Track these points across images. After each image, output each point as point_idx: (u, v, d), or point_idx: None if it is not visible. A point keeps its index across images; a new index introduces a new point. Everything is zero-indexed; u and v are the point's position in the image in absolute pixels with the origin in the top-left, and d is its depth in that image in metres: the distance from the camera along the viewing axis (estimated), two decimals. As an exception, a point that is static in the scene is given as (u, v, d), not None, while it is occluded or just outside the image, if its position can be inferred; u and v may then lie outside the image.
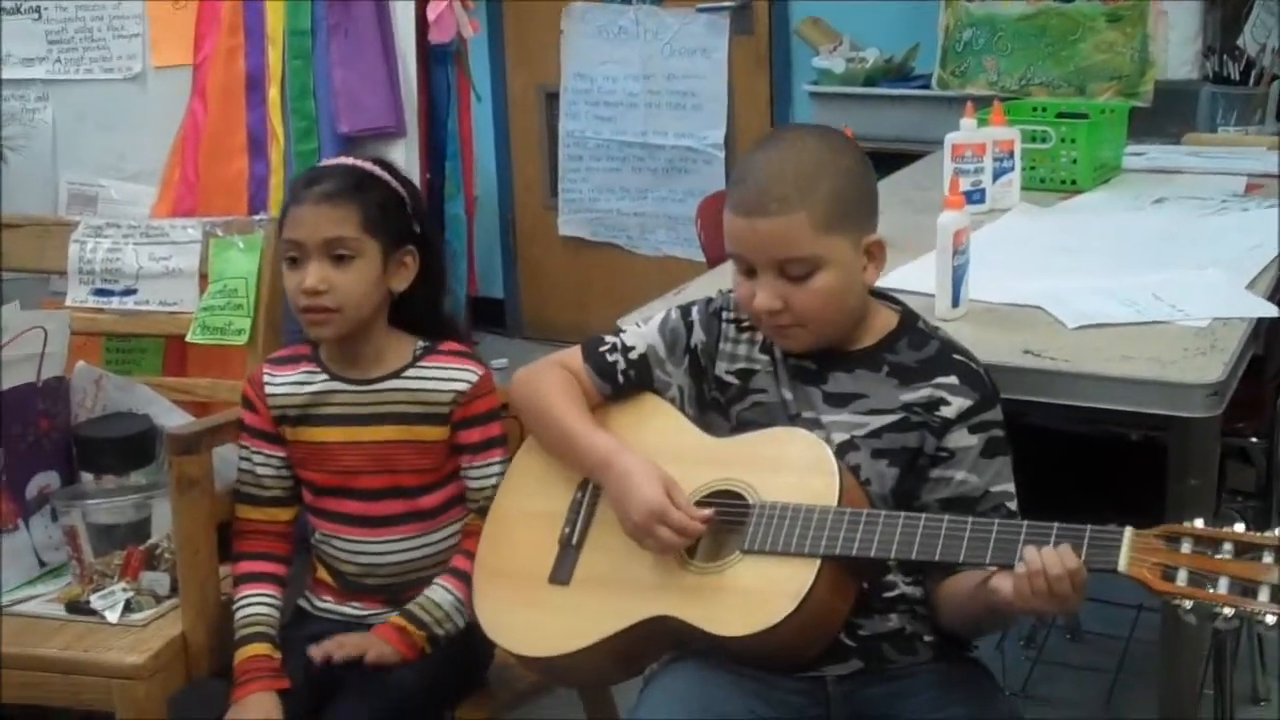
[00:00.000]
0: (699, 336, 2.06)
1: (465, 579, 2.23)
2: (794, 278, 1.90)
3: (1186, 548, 1.66)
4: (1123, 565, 1.68)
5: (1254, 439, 2.85)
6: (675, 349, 2.08)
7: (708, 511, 1.91)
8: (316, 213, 2.19)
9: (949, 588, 1.90)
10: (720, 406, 2.05)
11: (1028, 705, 3.06)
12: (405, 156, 2.92)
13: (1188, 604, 1.63)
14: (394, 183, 2.28)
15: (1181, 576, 1.64)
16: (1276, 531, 1.64)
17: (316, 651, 2.17)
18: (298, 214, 2.20)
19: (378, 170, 2.28)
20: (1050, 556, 1.69)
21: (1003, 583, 1.74)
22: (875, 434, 1.95)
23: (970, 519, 1.81)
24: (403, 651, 2.19)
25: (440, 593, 2.25)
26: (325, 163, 2.36)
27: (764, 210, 1.88)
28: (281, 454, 2.31)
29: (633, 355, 2.09)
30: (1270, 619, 1.59)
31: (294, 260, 2.21)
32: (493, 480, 2.27)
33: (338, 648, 2.17)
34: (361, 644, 2.18)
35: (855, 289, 1.96)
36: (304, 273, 2.19)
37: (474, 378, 2.28)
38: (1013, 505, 1.93)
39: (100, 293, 2.85)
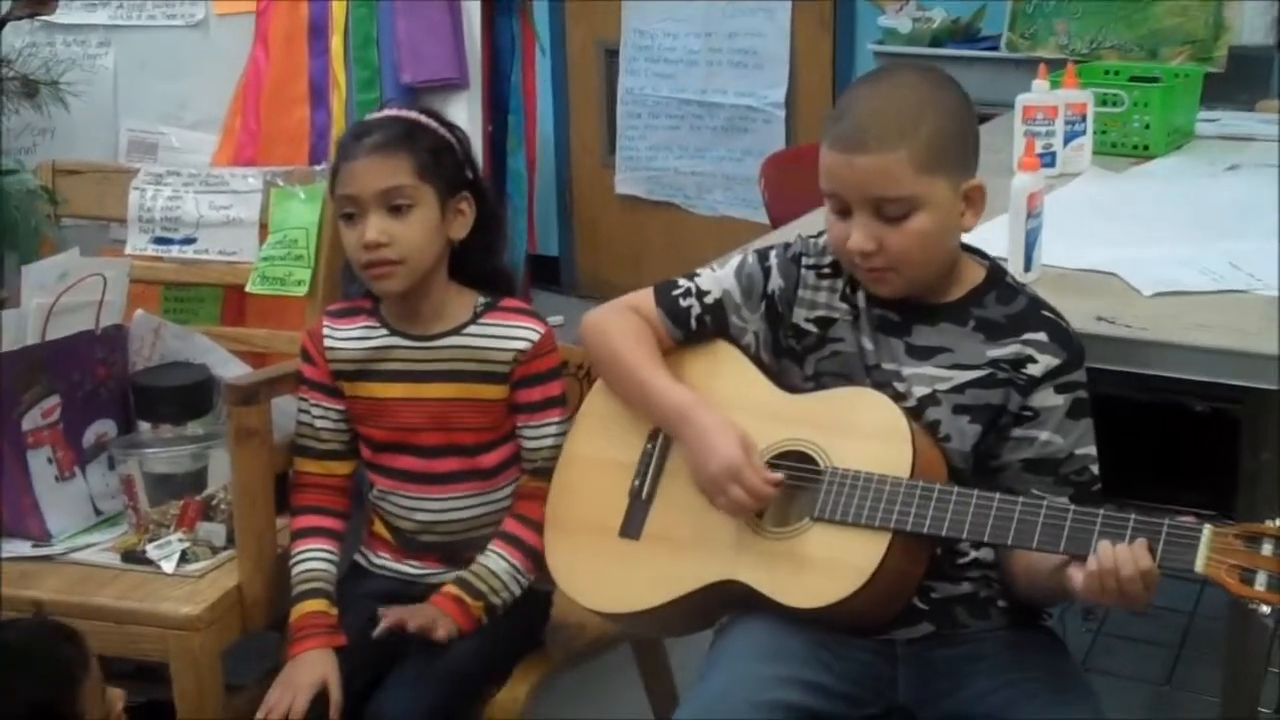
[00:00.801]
0: (777, 282, 2.02)
1: (519, 544, 2.22)
2: (890, 218, 1.85)
3: (1268, 549, 1.61)
4: (1200, 566, 1.63)
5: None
6: (752, 294, 2.03)
7: (779, 475, 1.88)
8: (369, 165, 2.16)
9: (1023, 561, 1.86)
10: (796, 355, 2.00)
11: (1088, 677, 3.01)
12: (468, 109, 2.90)
13: (1266, 608, 1.59)
14: (442, 129, 2.25)
15: (1261, 580, 1.60)
16: None
17: (389, 617, 2.14)
18: (350, 169, 2.18)
19: (424, 118, 2.25)
20: (1124, 555, 1.65)
21: (1075, 573, 1.70)
22: (958, 389, 1.90)
23: (1045, 503, 1.77)
24: (461, 624, 2.17)
25: (496, 560, 2.23)
26: (370, 116, 2.32)
27: (863, 146, 1.83)
28: (340, 407, 2.30)
29: (708, 300, 2.06)
30: None
31: (350, 216, 2.19)
32: (549, 441, 2.24)
33: (411, 616, 2.14)
34: (430, 618, 2.15)
35: (951, 234, 1.91)
36: (363, 227, 2.16)
37: (536, 336, 2.25)
38: (1095, 469, 1.89)
39: (160, 241, 2.84)
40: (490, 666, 2.21)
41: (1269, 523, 1.62)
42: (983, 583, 1.92)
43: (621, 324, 2.08)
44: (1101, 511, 1.72)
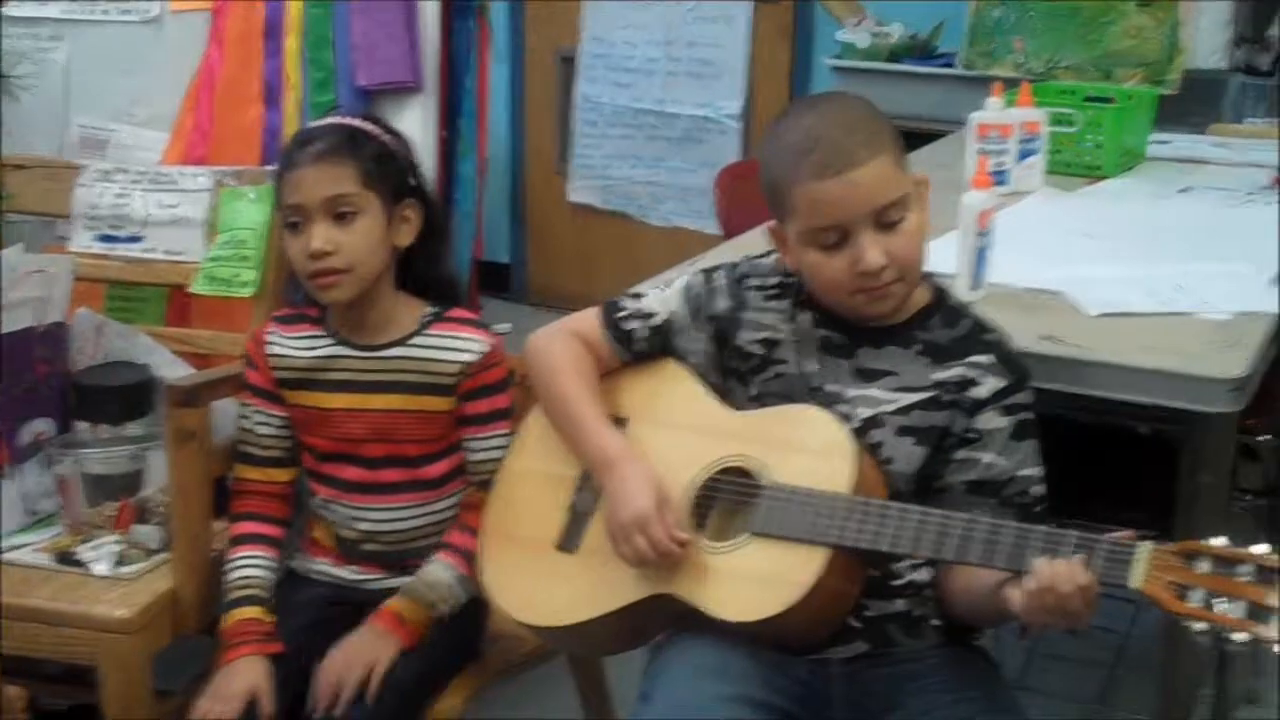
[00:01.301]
0: (723, 303, 2.01)
1: (464, 554, 2.20)
2: (889, 226, 1.85)
3: (1204, 566, 1.60)
4: (1136, 582, 1.62)
5: (1264, 437, 2.81)
6: (698, 316, 2.03)
7: (687, 536, 1.87)
8: (313, 173, 2.14)
9: (961, 581, 1.86)
10: (741, 376, 2.00)
11: (1023, 696, 3.00)
12: (422, 113, 2.88)
13: (1200, 625, 1.58)
14: (385, 136, 2.24)
15: (1197, 597, 1.58)
16: None
17: (316, 707, 2.08)
18: (294, 177, 2.16)
19: (367, 125, 2.23)
20: (1061, 571, 1.64)
21: (1013, 592, 1.70)
22: (903, 411, 1.90)
23: (985, 520, 1.76)
24: (405, 642, 2.14)
25: (440, 570, 2.21)
26: (313, 124, 2.31)
27: (855, 161, 1.83)
28: (282, 414, 2.27)
29: (653, 322, 2.05)
30: None
31: (295, 225, 2.17)
32: (495, 453, 2.22)
33: (334, 691, 2.08)
34: (360, 662, 2.10)
35: (925, 229, 1.93)
36: (308, 236, 2.14)
37: (483, 348, 2.23)
38: (1039, 490, 1.90)
39: (105, 239, 2.81)
40: (428, 678, 2.18)
41: (1206, 541, 1.61)
42: (917, 601, 1.92)
43: (564, 353, 2.06)
44: (1040, 529, 1.71)
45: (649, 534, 1.85)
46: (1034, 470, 1.90)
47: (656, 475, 1.91)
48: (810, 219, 1.87)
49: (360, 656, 2.11)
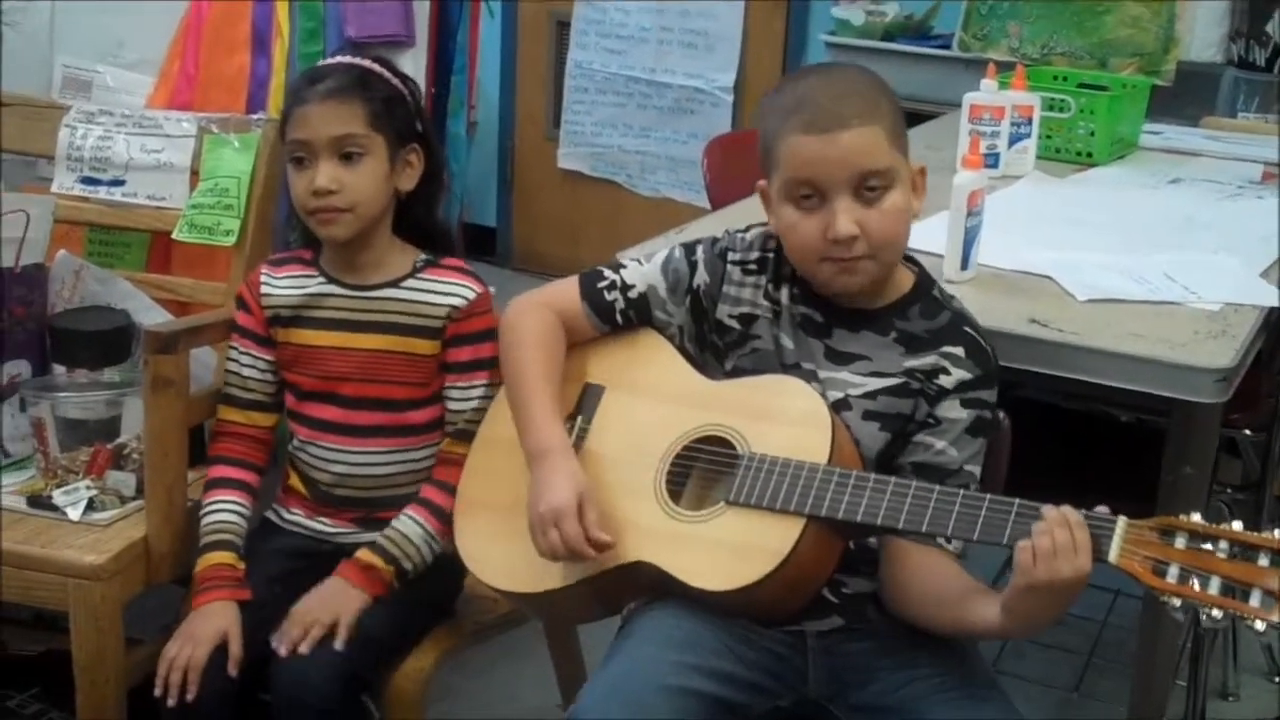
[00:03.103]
0: (702, 277, 2.00)
1: (435, 510, 2.19)
2: (869, 198, 1.84)
3: (1181, 542, 1.60)
4: (1113, 556, 1.62)
5: (1247, 431, 2.81)
6: (677, 289, 2.02)
7: (606, 538, 1.86)
8: (323, 110, 2.15)
9: (919, 586, 1.84)
10: (718, 350, 2.00)
11: (1000, 688, 3.03)
12: (413, 67, 2.83)
13: (1176, 601, 1.58)
14: (394, 79, 2.24)
15: (1173, 572, 1.58)
16: (1276, 533, 1.58)
17: (283, 643, 2.07)
18: (303, 113, 2.16)
19: (378, 67, 2.24)
20: (1054, 515, 1.63)
21: (990, 605, 1.70)
22: (870, 395, 1.90)
23: (961, 492, 1.76)
24: (369, 590, 2.13)
25: (409, 524, 2.20)
26: (324, 62, 2.32)
27: (844, 123, 1.81)
28: (269, 357, 2.28)
29: (632, 294, 2.04)
30: (1260, 625, 1.53)
31: (300, 161, 2.17)
32: (474, 403, 2.22)
33: (302, 631, 2.07)
34: (327, 611, 2.09)
35: (911, 216, 1.91)
36: (313, 173, 2.15)
37: (472, 294, 2.24)
38: (975, 489, 1.86)
39: (87, 181, 2.77)
40: (399, 634, 2.18)
41: (1183, 516, 1.61)
42: (895, 580, 1.91)
43: (533, 329, 2.05)
44: (1017, 502, 1.71)
45: (563, 529, 1.84)
46: (976, 470, 1.90)
47: (584, 479, 1.90)
48: (790, 171, 1.86)
49: (327, 605, 2.10)
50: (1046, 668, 3.18)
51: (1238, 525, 1.59)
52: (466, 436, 2.19)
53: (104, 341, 2.50)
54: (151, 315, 2.59)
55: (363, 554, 2.17)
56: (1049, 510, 1.65)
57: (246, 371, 2.28)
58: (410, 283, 2.24)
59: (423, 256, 2.27)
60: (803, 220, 1.87)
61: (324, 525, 2.28)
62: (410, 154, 2.23)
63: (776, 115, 1.88)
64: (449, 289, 2.23)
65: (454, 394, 2.24)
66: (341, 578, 2.15)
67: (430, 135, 2.29)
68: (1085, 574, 1.61)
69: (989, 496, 1.73)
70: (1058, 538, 1.61)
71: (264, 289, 2.26)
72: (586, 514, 1.86)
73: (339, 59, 2.27)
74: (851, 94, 1.85)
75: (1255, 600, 1.54)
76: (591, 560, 1.88)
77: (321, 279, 2.26)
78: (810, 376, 1.92)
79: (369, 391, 2.23)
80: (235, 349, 2.28)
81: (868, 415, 1.90)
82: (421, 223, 2.30)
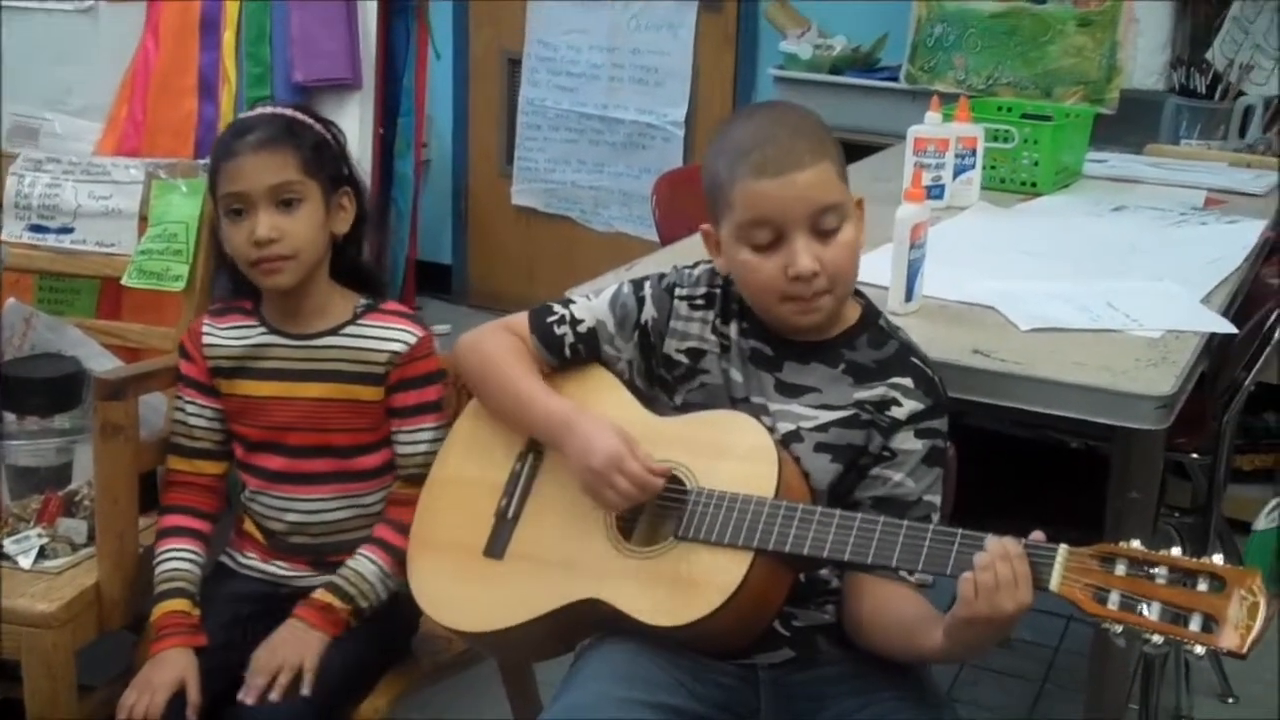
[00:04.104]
0: (650, 312, 2.02)
1: (389, 549, 2.20)
2: (825, 234, 1.86)
3: (1121, 569, 1.62)
4: (1054, 584, 1.63)
5: (1194, 455, 2.84)
6: (625, 324, 2.03)
7: (664, 466, 1.88)
8: (257, 161, 2.15)
9: (869, 610, 1.86)
10: (667, 385, 2.01)
11: (953, 708, 3.04)
12: (360, 110, 2.86)
13: (1118, 628, 1.60)
14: (318, 125, 2.25)
15: (1114, 599, 1.60)
16: (1214, 558, 1.60)
17: (250, 695, 2.07)
18: (236, 166, 2.15)
19: (301, 115, 2.24)
20: (995, 547, 1.64)
21: (938, 625, 1.72)
22: (822, 428, 1.92)
23: (905, 523, 1.78)
24: (328, 630, 2.14)
25: (365, 564, 2.21)
26: (246, 115, 2.30)
27: (798, 163, 1.83)
28: (216, 406, 2.27)
29: (581, 329, 2.05)
30: (1199, 649, 1.55)
31: (238, 212, 2.16)
32: (423, 447, 2.23)
33: (267, 679, 2.07)
34: (292, 654, 2.10)
35: (859, 245, 1.93)
36: (252, 223, 2.14)
37: (412, 339, 2.24)
38: (937, 518, 1.90)
39: (36, 229, 2.78)
40: (355, 675, 2.18)
41: (1123, 543, 1.63)
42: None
43: (499, 342, 2.07)
44: (960, 531, 1.73)
45: (626, 469, 1.85)
46: (936, 498, 1.92)
47: (614, 422, 1.91)
48: (746, 213, 1.87)
49: (290, 649, 2.10)
50: (1001, 694, 3.20)
51: (1177, 551, 1.61)
52: (418, 480, 2.19)
53: (54, 389, 2.49)
54: (102, 362, 2.59)
55: (319, 594, 2.18)
56: (990, 543, 1.66)
57: (193, 420, 2.27)
58: (351, 329, 2.24)
59: (363, 302, 2.27)
60: (761, 262, 1.88)
61: (279, 569, 2.28)
62: (343, 197, 2.24)
63: (727, 158, 1.89)
64: (390, 334, 2.24)
65: (401, 438, 2.25)
66: (299, 619, 2.15)
67: (357, 178, 2.30)
68: (1026, 606, 1.63)
69: (932, 527, 1.76)
70: (999, 571, 1.63)
71: (206, 339, 2.26)
72: (637, 451, 1.87)
73: (261, 110, 2.27)
74: (799, 133, 1.86)
75: (1195, 625, 1.55)
76: (545, 593, 1.89)
77: (263, 329, 2.25)
78: (760, 410, 1.93)
79: (315, 440, 2.23)
80: (181, 398, 2.28)
81: (819, 447, 1.91)
82: (355, 265, 2.30)
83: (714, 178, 1.92)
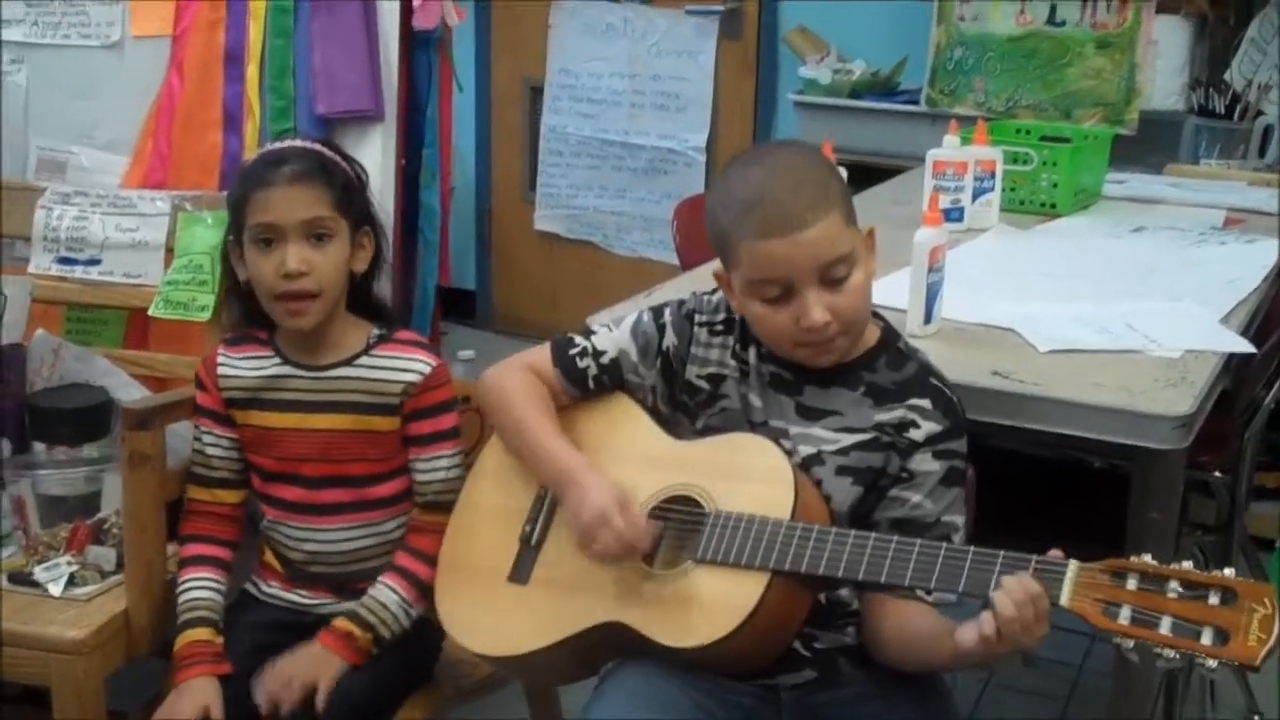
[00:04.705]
0: (671, 339, 2.04)
1: (411, 578, 2.22)
2: (834, 283, 1.86)
3: (1132, 584, 1.62)
4: (1065, 599, 1.64)
5: (1217, 473, 2.84)
6: (648, 353, 2.05)
7: (655, 523, 1.89)
8: (291, 194, 2.16)
9: (892, 626, 1.88)
10: (689, 410, 2.03)
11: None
12: (382, 142, 2.88)
13: (1129, 642, 1.60)
14: (346, 164, 2.27)
15: (1124, 614, 1.60)
16: (1225, 571, 1.60)
17: (262, 695, 2.11)
18: (269, 196, 2.16)
19: (330, 152, 2.26)
20: (1014, 586, 1.64)
21: (966, 634, 1.70)
22: (843, 451, 1.93)
23: (919, 541, 1.79)
24: (347, 657, 2.15)
25: (386, 593, 2.22)
26: (277, 146, 2.30)
27: (802, 222, 1.83)
28: (232, 435, 2.29)
29: (604, 360, 2.07)
30: (1211, 663, 1.55)
31: (267, 242, 2.18)
32: (440, 474, 2.25)
33: (285, 690, 2.10)
34: (309, 674, 2.12)
35: (871, 282, 1.94)
36: (282, 254, 2.16)
37: (427, 369, 2.25)
38: (958, 539, 1.90)
39: (64, 261, 2.80)
40: (379, 699, 2.19)
41: (1135, 558, 1.64)
42: (867, 632, 1.94)
43: (518, 383, 2.08)
44: (971, 549, 1.74)
45: (612, 526, 1.86)
46: (957, 518, 1.92)
47: (614, 483, 1.92)
48: (753, 273, 1.88)
49: (301, 671, 2.12)
50: (1025, 714, 3.20)
51: (1187, 565, 1.62)
52: (437, 507, 2.21)
53: (83, 418, 2.52)
54: (129, 391, 2.62)
55: (340, 622, 2.19)
56: (1010, 585, 1.65)
57: (210, 450, 2.29)
58: (365, 360, 2.25)
59: (376, 332, 2.28)
60: (772, 314, 1.89)
61: (301, 598, 2.30)
62: (364, 236, 2.26)
63: (730, 213, 1.89)
64: (404, 364, 2.25)
65: (419, 467, 2.27)
66: (320, 644, 2.17)
67: (377, 217, 2.32)
68: (1044, 637, 1.65)
69: (945, 546, 1.77)
70: (1023, 615, 1.63)
71: (221, 369, 2.27)
72: (628, 512, 1.88)
73: (292, 143, 2.28)
74: (802, 184, 1.85)
75: (1206, 639, 1.56)
76: (568, 618, 1.91)
77: (278, 360, 2.27)
78: (780, 434, 1.95)
79: (330, 471, 2.25)
80: (199, 428, 2.30)
81: (841, 470, 1.93)
82: (369, 298, 2.32)
83: (719, 229, 1.92)
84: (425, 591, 2.18)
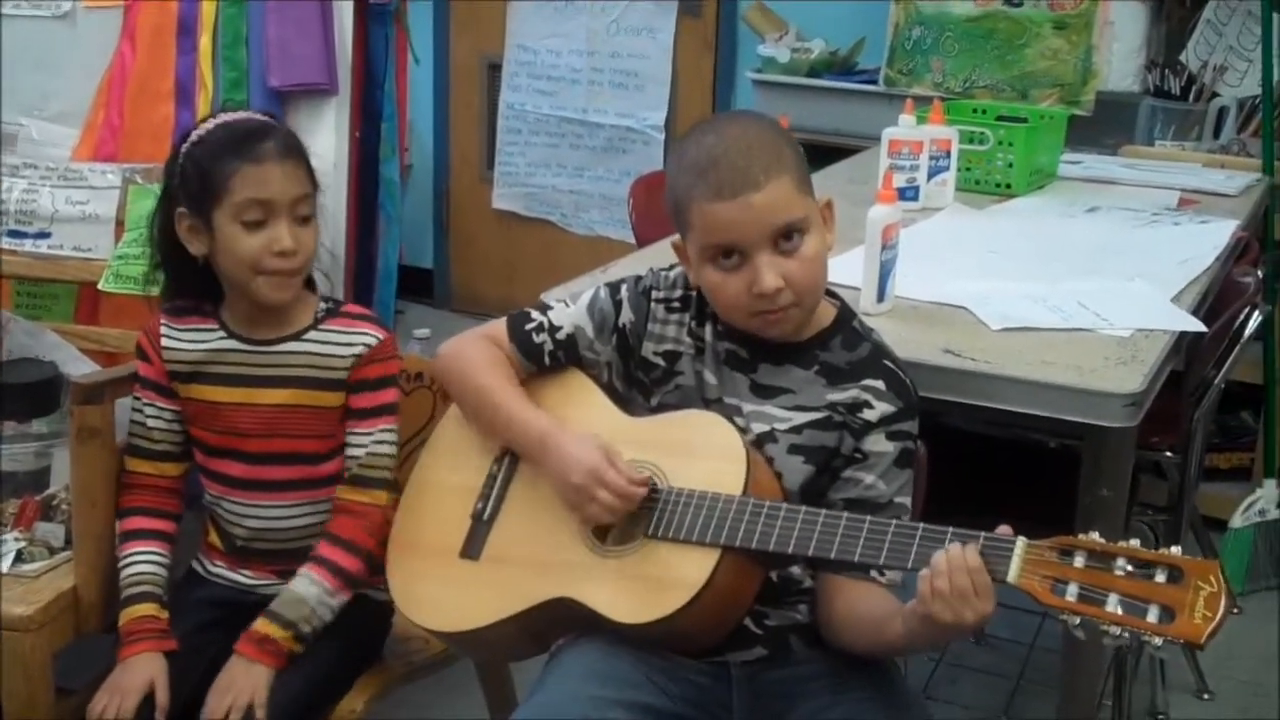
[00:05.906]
0: (627, 316, 2.03)
1: (331, 567, 2.17)
2: (787, 250, 1.86)
3: (1080, 561, 1.62)
4: (1012, 576, 1.64)
5: (1169, 453, 2.86)
6: (604, 328, 2.04)
7: (645, 474, 1.88)
8: (282, 171, 2.13)
9: (842, 608, 1.88)
10: (644, 387, 2.02)
11: (929, 706, 3.05)
12: (336, 114, 2.85)
13: (1076, 619, 1.60)
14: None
15: (1071, 591, 1.61)
16: (1172, 550, 1.61)
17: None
18: (260, 172, 2.11)
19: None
20: (955, 555, 1.65)
21: (909, 608, 1.72)
22: (796, 430, 1.93)
23: (869, 518, 1.79)
24: (270, 663, 2.10)
25: (305, 585, 2.16)
26: (240, 116, 2.23)
27: (754, 184, 1.83)
28: (174, 408, 2.26)
29: (560, 336, 2.06)
30: (1157, 640, 1.56)
31: (257, 220, 2.12)
32: (377, 449, 2.22)
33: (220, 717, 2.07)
34: (241, 693, 2.07)
35: (826, 254, 1.93)
36: (276, 232, 2.12)
37: (374, 341, 2.23)
38: (907, 519, 1.89)
39: (13, 234, 2.78)
40: (323, 689, 2.18)
41: (1082, 535, 1.64)
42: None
43: (478, 352, 2.07)
44: (921, 525, 1.74)
45: (608, 483, 1.86)
46: (906, 500, 1.93)
47: (594, 435, 1.92)
48: (707, 237, 1.88)
49: (239, 689, 2.08)
50: (977, 692, 3.22)
51: (1135, 543, 1.62)
52: (362, 482, 2.19)
53: (32, 393, 2.50)
54: (79, 366, 2.60)
55: (259, 624, 2.13)
56: (951, 550, 1.66)
57: (151, 422, 2.26)
58: (313, 334, 2.22)
59: (324, 305, 2.26)
60: (727, 279, 1.89)
61: (245, 578, 2.28)
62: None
63: (685, 178, 1.89)
64: (352, 338, 2.23)
65: (352, 439, 2.23)
66: (241, 655, 2.11)
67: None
68: (988, 615, 1.65)
69: (895, 522, 1.77)
70: (957, 582, 1.64)
71: (164, 341, 2.24)
72: (617, 463, 1.88)
73: (252, 115, 2.24)
74: (755, 148, 1.86)
75: (1152, 616, 1.56)
76: (519, 593, 1.91)
77: (222, 334, 2.23)
78: (734, 411, 1.94)
79: (275, 446, 2.22)
80: (139, 399, 2.26)
81: (793, 449, 1.93)
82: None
83: (675, 196, 1.93)
84: (349, 580, 2.16)
